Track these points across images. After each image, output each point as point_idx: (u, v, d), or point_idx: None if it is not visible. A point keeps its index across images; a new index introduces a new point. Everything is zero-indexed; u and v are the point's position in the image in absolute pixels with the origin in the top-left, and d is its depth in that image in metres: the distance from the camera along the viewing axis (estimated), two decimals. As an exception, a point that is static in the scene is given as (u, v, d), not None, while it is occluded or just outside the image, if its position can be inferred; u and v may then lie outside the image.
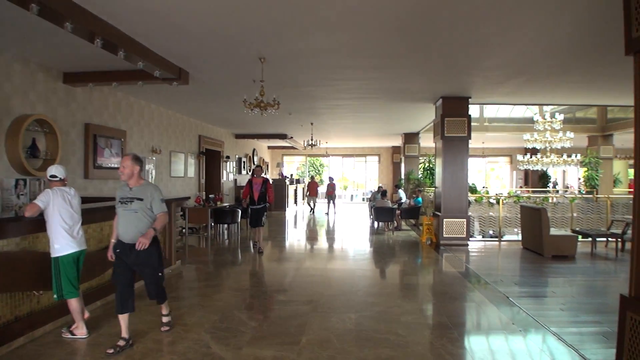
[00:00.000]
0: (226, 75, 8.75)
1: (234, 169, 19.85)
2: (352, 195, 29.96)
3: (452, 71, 8.68)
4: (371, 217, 14.52)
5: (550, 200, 12.64)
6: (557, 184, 27.22)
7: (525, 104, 13.10)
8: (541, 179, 27.28)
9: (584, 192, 19.96)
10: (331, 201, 20.30)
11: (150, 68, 7.19)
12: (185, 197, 9.35)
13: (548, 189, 25.56)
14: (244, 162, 21.24)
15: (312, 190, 20.62)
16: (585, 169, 19.55)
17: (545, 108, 17.35)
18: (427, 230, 11.44)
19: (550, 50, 7.20)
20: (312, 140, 16.61)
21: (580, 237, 10.24)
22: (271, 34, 6.35)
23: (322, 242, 12.42)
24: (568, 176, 29.21)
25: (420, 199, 14.53)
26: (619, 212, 12.68)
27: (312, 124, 15.74)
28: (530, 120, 19.10)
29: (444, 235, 10.92)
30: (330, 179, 21.59)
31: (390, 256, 10.13)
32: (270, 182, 10.10)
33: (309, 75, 8.74)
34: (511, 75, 8.88)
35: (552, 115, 15.38)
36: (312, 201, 20.50)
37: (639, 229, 3.39)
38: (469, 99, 10.95)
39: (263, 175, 10.42)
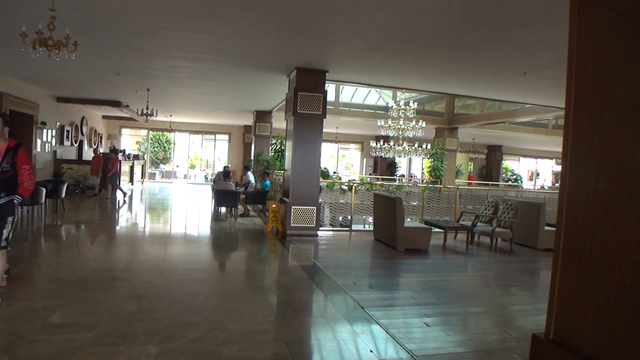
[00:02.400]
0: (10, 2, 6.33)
1: (55, 138, 16.58)
2: (205, 176, 27.42)
3: (307, 36, 7.36)
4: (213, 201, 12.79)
5: (403, 189, 12.14)
6: (404, 175, 28.07)
7: (386, 86, 12.41)
8: (389, 167, 27.90)
9: (425, 182, 20.46)
10: (114, 182, 14.81)
11: None
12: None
13: (395, 177, 26.16)
14: (68, 131, 17.93)
15: (92, 168, 15.11)
16: (431, 159, 20.01)
17: (400, 96, 17.14)
18: (273, 218, 10.10)
19: (420, 22, 6.22)
20: (147, 109, 14.24)
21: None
22: None
23: (147, 232, 10.36)
24: (412, 166, 30.39)
25: (268, 182, 13.18)
26: (466, 203, 12.73)
27: (148, 90, 13.44)
28: (383, 109, 18.92)
29: (292, 225, 9.67)
30: (114, 150, 16.45)
31: (227, 250, 8.58)
32: (24, 151, 4.83)
33: (129, 14, 6.69)
34: (373, 47, 7.83)
35: (407, 103, 15.09)
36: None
37: (562, 264, 2.29)
38: (327, 73, 9.78)
39: (8, 137, 4.78)
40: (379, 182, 11.80)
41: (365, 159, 28.29)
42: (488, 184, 23.73)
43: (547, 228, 10.43)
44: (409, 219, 10.77)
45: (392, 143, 15.91)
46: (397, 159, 27.24)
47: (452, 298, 6.03)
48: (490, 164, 30.50)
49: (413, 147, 15.92)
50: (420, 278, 6.96)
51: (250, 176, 14.54)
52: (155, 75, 11.44)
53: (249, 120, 21.00)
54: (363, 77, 10.51)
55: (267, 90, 12.82)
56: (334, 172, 23.14)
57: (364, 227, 11.99)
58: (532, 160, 33.80)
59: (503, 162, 31.06)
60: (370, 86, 12.73)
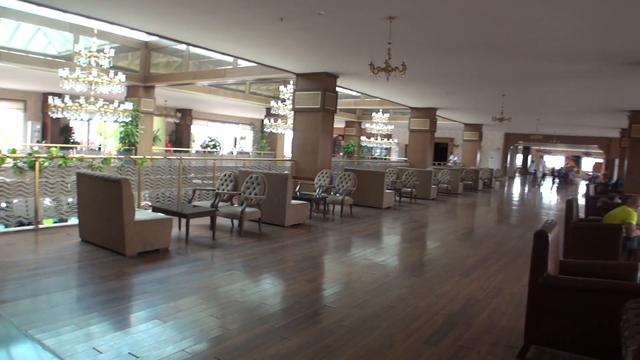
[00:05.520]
0: None
1: None
2: None
3: None
4: None
5: (112, 163, 8.92)
6: (79, 143, 23.33)
7: (98, 19, 8.41)
8: (63, 133, 22.83)
9: (121, 150, 17.16)
10: None
11: None
12: None
13: (72, 144, 21.54)
14: None
15: None
16: (123, 123, 16.67)
17: (88, 41, 13.19)
18: None
19: None
20: None
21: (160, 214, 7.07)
22: None
23: None
24: (90, 130, 25.77)
25: None
26: (191, 174, 10.43)
27: None
28: (60, 57, 14.59)
29: None
30: None
31: None
32: None
33: None
34: None
35: (102, 51, 11.48)
36: None
37: None
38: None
39: None
40: (78, 156, 8.24)
41: (30, 122, 22.32)
42: (191, 152, 21.74)
43: (293, 202, 9.15)
44: (150, 212, 7.78)
45: (82, 100, 12.01)
46: (71, 123, 22.38)
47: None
48: (180, 129, 28.46)
49: (111, 107, 12.42)
50: (200, 306, 4.40)
51: None
52: None
53: None
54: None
55: None
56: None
57: (53, 224, 8.33)
58: (220, 124, 33.29)
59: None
60: (74, 15, 8.71)
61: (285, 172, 10.87)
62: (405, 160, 32.52)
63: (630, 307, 2.93)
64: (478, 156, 27.43)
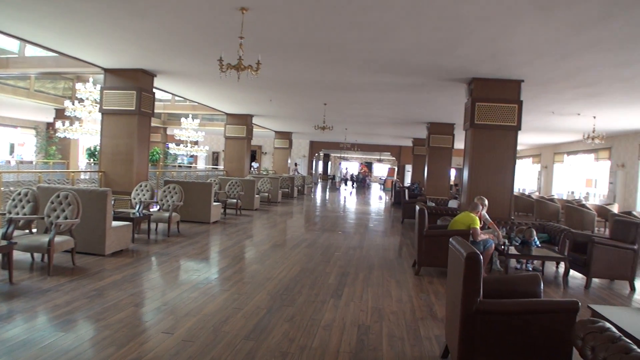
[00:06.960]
0: None
1: None
2: None
3: None
4: None
5: None
6: None
7: None
8: None
9: None
10: None
11: None
12: None
13: None
14: None
15: None
16: None
17: None
18: None
19: None
20: None
21: None
22: None
23: None
24: None
25: None
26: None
27: None
28: None
29: None
30: None
31: None
32: None
33: None
34: None
35: None
36: None
37: None
38: None
39: None
40: None
41: None
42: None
43: (115, 224, 7.50)
44: None
45: None
46: None
47: None
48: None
49: None
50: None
51: None
52: None
53: None
54: None
55: None
56: None
57: None
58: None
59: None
60: None
61: (104, 188, 9.00)
62: (214, 167, 31.40)
63: (591, 331, 2.58)
64: (289, 163, 27.78)
